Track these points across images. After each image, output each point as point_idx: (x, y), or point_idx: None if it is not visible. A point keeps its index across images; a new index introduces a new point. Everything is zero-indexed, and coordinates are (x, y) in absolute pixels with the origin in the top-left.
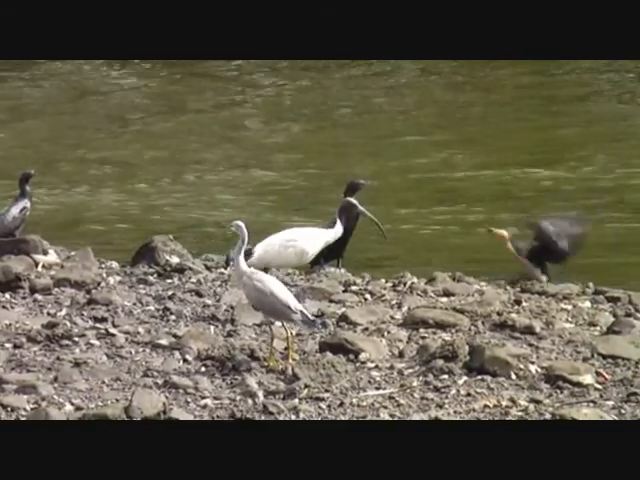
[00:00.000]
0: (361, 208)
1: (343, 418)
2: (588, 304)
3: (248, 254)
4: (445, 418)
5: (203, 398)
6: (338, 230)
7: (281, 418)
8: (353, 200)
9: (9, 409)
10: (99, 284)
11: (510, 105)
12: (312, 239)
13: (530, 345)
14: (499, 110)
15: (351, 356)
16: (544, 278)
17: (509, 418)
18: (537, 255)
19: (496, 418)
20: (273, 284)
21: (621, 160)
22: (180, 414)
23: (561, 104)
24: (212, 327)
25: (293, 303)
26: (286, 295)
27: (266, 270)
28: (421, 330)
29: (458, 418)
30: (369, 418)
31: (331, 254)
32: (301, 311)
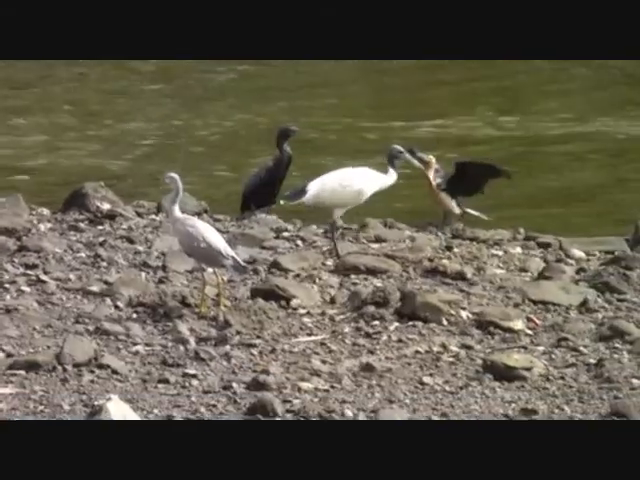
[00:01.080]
0: (407, 155)
1: (275, 364)
2: (519, 250)
3: (302, 192)
4: (376, 364)
5: (135, 345)
6: (392, 176)
7: (213, 364)
8: (399, 147)
9: None
10: (30, 231)
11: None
12: (369, 180)
13: (461, 291)
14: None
15: (283, 302)
16: (457, 210)
17: (440, 364)
18: (452, 186)
19: (427, 364)
20: (205, 230)
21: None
22: (112, 361)
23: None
24: (143, 274)
25: (224, 249)
26: (218, 241)
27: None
28: (352, 276)
29: (389, 364)
30: (300, 364)
31: (262, 200)
32: (233, 257)
